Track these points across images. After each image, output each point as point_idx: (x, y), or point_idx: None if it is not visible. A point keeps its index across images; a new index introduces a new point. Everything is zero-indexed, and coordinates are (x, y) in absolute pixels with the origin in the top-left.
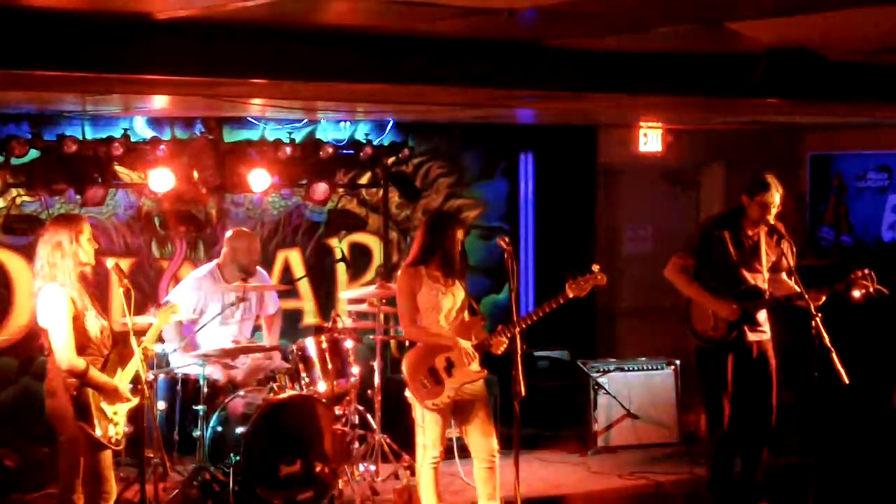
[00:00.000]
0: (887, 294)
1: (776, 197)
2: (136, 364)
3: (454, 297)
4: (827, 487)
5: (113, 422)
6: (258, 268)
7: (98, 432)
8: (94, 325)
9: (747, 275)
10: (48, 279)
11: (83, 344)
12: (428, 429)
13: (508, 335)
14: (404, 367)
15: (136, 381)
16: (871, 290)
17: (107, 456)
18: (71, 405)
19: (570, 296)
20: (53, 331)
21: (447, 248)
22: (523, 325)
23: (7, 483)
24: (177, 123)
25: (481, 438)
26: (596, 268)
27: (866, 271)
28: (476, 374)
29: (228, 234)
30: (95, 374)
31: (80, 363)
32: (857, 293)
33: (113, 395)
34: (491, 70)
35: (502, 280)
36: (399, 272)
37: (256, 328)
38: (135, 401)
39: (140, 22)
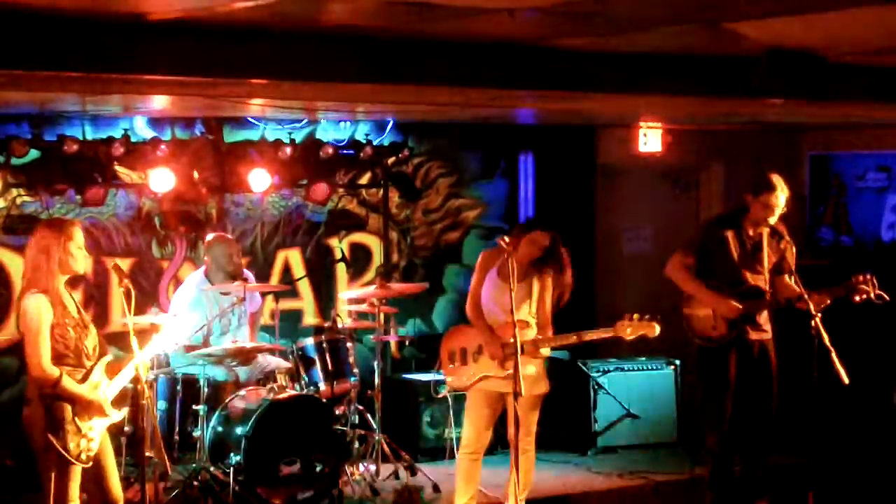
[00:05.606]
0: (888, 300)
1: (781, 199)
2: (127, 375)
3: (514, 295)
4: (827, 487)
5: (86, 437)
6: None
7: (69, 447)
8: (75, 334)
9: (748, 275)
10: (31, 284)
11: (60, 353)
12: (467, 417)
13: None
14: (443, 339)
15: (135, 381)
16: (872, 295)
17: (75, 470)
18: (43, 416)
19: (614, 334)
20: (28, 337)
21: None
22: (548, 346)
23: (7, 483)
24: (177, 123)
25: (516, 430)
26: (655, 324)
27: (867, 276)
28: (495, 375)
29: (208, 237)
30: (70, 384)
31: (53, 372)
32: (857, 298)
33: (88, 408)
34: (491, 70)
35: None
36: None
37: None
38: (116, 417)
39: (140, 22)
